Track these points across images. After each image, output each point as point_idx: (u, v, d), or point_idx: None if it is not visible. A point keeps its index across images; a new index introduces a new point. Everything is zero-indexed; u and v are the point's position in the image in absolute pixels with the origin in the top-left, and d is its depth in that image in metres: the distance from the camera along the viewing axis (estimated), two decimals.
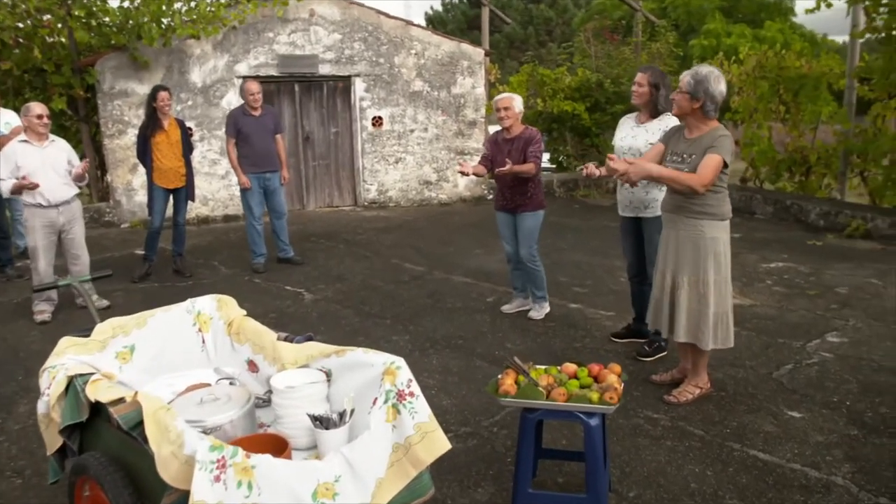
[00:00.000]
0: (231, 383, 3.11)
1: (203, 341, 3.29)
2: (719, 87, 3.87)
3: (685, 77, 3.90)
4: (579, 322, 5.63)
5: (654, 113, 4.65)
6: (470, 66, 11.62)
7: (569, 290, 6.51)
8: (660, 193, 4.64)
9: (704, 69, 3.89)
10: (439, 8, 38.64)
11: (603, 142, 12.95)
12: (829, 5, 8.61)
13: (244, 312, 3.36)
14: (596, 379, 2.97)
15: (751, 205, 10.25)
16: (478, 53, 11.67)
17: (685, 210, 3.99)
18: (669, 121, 4.59)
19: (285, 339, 3.09)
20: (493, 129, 14.71)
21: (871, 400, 4.20)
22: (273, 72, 10.54)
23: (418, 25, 11.40)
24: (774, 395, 4.27)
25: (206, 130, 10.40)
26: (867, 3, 8.49)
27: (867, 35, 8.73)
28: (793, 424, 3.89)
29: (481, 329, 5.50)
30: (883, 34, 8.56)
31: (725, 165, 3.83)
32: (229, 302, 3.38)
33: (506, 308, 5.89)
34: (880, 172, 9.38)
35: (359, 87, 11.07)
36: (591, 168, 4.39)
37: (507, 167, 5.19)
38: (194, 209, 10.14)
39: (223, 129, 10.30)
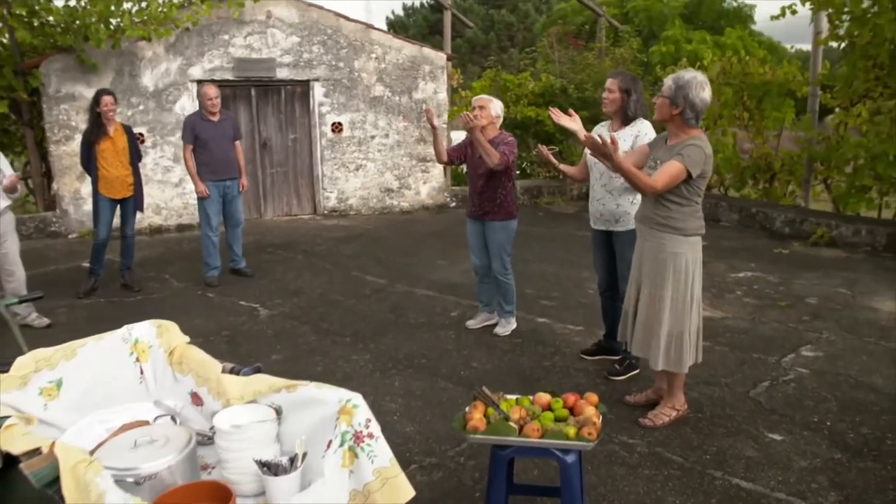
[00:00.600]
0: (172, 418, 2.82)
1: (141, 372, 2.98)
2: (701, 94, 3.65)
3: (667, 81, 3.70)
4: (547, 338, 5.41)
5: (626, 119, 4.45)
6: (432, 70, 11.38)
7: (536, 304, 6.29)
8: (631, 207, 4.44)
9: (687, 74, 3.68)
10: (401, 12, 38.43)
11: (566, 148, 12.78)
12: (793, 12, 8.56)
13: (187, 339, 3.06)
14: (572, 411, 2.73)
15: (716, 212, 10.16)
16: (440, 58, 11.44)
17: (649, 221, 3.81)
18: (641, 126, 4.41)
19: (231, 371, 2.80)
20: (455, 134, 14.55)
21: (851, 419, 4.04)
22: (229, 76, 10.18)
23: (379, 29, 11.14)
24: (753, 415, 4.09)
25: (159, 136, 10.00)
26: (830, 11, 8.45)
27: (831, 43, 8.69)
28: (774, 448, 3.71)
29: (446, 346, 5.24)
30: (846, 42, 8.53)
31: (690, 177, 3.62)
32: (170, 328, 3.08)
33: (470, 323, 5.65)
34: (843, 180, 9.35)
35: (318, 91, 10.76)
36: (545, 150, 4.35)
37: (477, 135, 4.94)
38: (146, 219, 9.75)
39: (177, 135, 9.97)
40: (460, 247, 8.49)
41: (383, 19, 42.37)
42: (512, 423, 2.59)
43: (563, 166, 4.64)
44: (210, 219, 6.99)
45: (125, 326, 2.99)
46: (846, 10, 8.25)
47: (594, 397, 2.79)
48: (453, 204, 11.84)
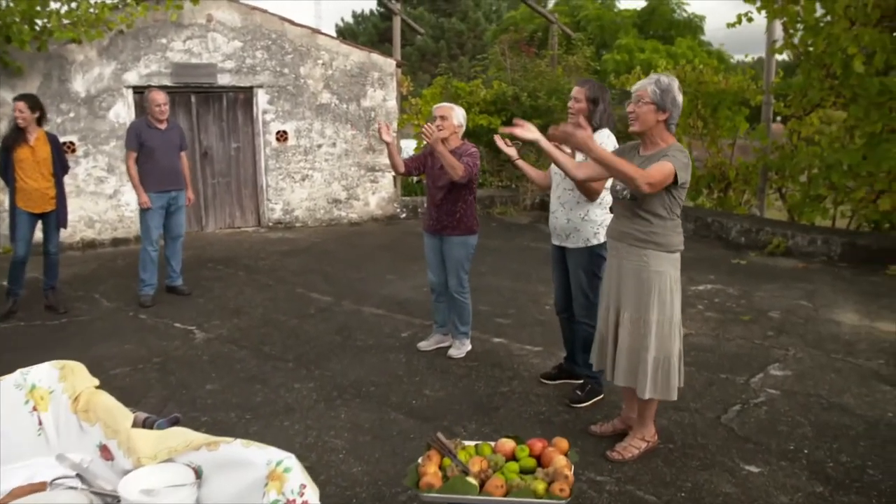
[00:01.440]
0: (78, 476, 2.40)
1: (40, 422, 2.55)
2: (680, 98, 3.43)
3: (647, 87, 3.40)
4: (504, 360, 5.08)
5: (592, 130, 4.16)
6: (381, 77, 11.02)
7: (491, 322, 5.97)
8: (582, 223, 4.16)
9: (665, 77, 3.41)
10: (350, 20, 37.98)
11: (526, 156, 12.55)
12: (749, 20, 8.45)
13: (96, 383, 2.64)
14: (539, 460, 2.40)
15: None
16: (389, 64, 11.08)
17: (629, 237, 3.49)
18: (601, 136, 4.12)
19: (145, 423, 2.40)
20: (405, 143, 14.20)
21: (828, 447, 3.80)
22: (167, 81, 9.65)
23: (326, 34, 10.73)
24: (727, 444, 3.82)
25: (91, 145, 9.42)
26: (784, 19, 8.36)
27: (785, 52, 8.61)
28: (752, 482, 3.43)
29: (396, 372, 4.88)
30: (800, 51, 8.44)
31: (676, 183, 3.34)
32: (76, 369, 2.65)
33: (423, 345, 5.29)
34: (798, 189, 9.28)
35: (262, 98, 10.31)
36: (499, 140, 4.23)
37: (438, 146, 4.60)
38: (78, 232, 9.19)
39: (111, 144, 9.44)
40: (410, 260, 8.16)
41: (332, 27, 41.77)
42: (472, 479, 2.25)
43: (522, 163, 4.36)
44: (150, 231, 6.54)
45: (19, 371, 2.56)
46: (800, 19, 8.16)
47: (564, 443, 2.48)
48: (403, 215, 11.48)
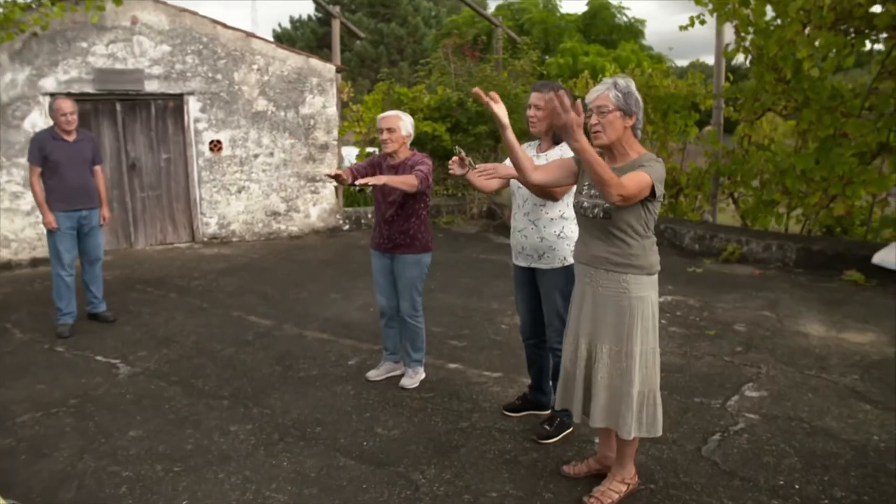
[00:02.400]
0: None
1: None
2: (640, 96, 3.10)
3: (608, 93, 3.02)
4: (462, 390, 4.67)
5: (557, 139, 3.79)
6: (320, 83, 10.52)
7: (445, 345, 5.55)
8: (558, 241, 3.77)
9: (622, 79, 3.06)
10: (288, 25, 37.19)
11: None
12: (702, 22, 8.26)
13: None
14: None
15: None
16: (328, 69, 10.59)
17: (605, 262, 3.12)
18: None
19: None
20: (346, 151, 13.70)
21: (819, 478, 3.50)
22: (89, 88, 9.00)
23: (261, 38, 10.16)
24: (712, 482, 3.48)
25: (5, 157, 8.71)
26: (736, 22, 8.18)
27: (739, 55, 8.45)
28: None
29: (344, 407, 4.41)
30: (752, 55, 8.28)
31: (653, 197, 2.99)
32: None
33: (372, 374, 4.84)
34: (751, 194, 9.13)
35: (193, 106, 9.71)
36: (456, 166, 3.63)
37: (380, 178, 4.09)
38: None
39: (27, 156, 8.69)
40: (355, 276, 7.70)
41: (270, 32, 40.82)
42: None
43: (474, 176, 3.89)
44: (61, 255, 5.92)
45: None
46: (751, 21, 7.98)
47: None
48: (347, 227, 10.99)
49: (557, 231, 3.77)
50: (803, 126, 8.00)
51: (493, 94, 3.22)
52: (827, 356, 5.29)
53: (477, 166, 3.56)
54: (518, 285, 4.08)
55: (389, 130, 4.37)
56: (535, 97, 3.79)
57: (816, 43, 7.18)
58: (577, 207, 3.20)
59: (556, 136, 3.78)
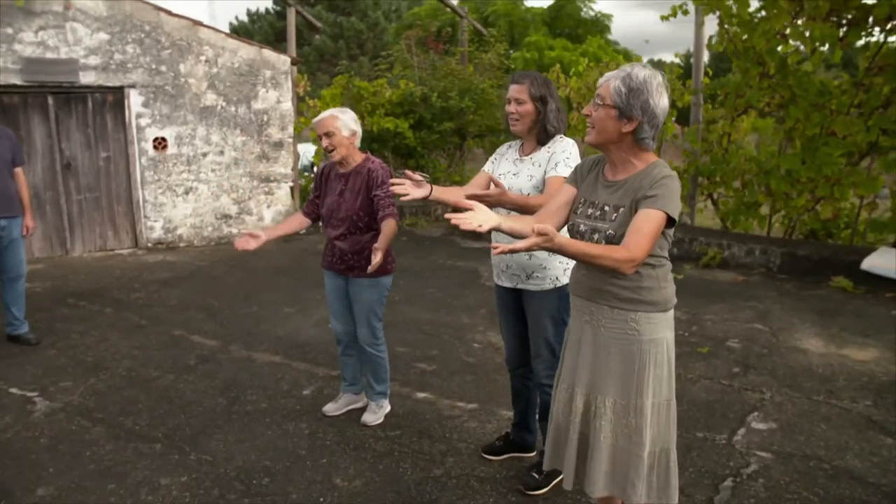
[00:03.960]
0: None
1: None
2: (662, 101, 2.41)
3: (612, 82, 2.42)
4: (433, 427, 4.07)
5: (544, 138, 3.21)
6: (274, 76, 9.82)
7: (411, 369, 4.96)
8: (550, 259, 3.20)
9: (641, 72, 2.41)
10: (245, 18, 36.17)
11: (429, 163, 11.57)
12: (685, 12, 7.77)
13: None
14: None
15: None
16: (283, 62, 9.89)
17: (608, 296, 2.52)
18: (561, 146, 3.18)
19: None
20: (303, 148, 12.99)
21: None
22: (16, 80, 8.20)
23: (209, 27, 9.42)
24: None
25: None
26: (718, 13, 7.70)
27: (723, 47, 7.96)
28: None
29: (297, 451, 3.79)
30: (736, 48, 7.80)
31: (671, 223, 2.42)
32: None
33: (329, 409, 4.21)
34: (732, 195, 8.68)
35: (135, 100, 8.95)
36: (407, 186, 2.86)
37: (375, 261, 3.44)
38: None
39: None
40: (312, 286, 7.08)
41: (227, 25, 39.57)
42: None
43: (441, 190, 3.04)
44: None
45: None
46: (734, 13, 7.51)
47: None
48: (303, 230, 10.29)
49: None
50: (789, 124, 7.56)
51: (473, 206, 2.32)
52: (832, 377, 4.82)
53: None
54: (502, 309, 3.50)
55: (328, 135, 3.73)
56: (513, 90, 3.21)
57: (807, 34, 6.72)
58: (573, 232, 2.60)
59: (541, 135, 3.20)
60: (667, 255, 2.52)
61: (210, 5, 52.13)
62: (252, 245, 3.67)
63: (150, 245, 9.25)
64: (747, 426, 4.08)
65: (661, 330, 2.50)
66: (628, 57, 18.19)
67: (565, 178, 2.88)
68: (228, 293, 7.04)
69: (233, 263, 8.46)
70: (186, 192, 9.42)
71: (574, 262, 3.10)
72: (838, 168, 7.34)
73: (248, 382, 4.74)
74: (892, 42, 6.95)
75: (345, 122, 3.74)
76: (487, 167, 3.43)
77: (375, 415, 4.09)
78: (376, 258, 3.44)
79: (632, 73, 2.42)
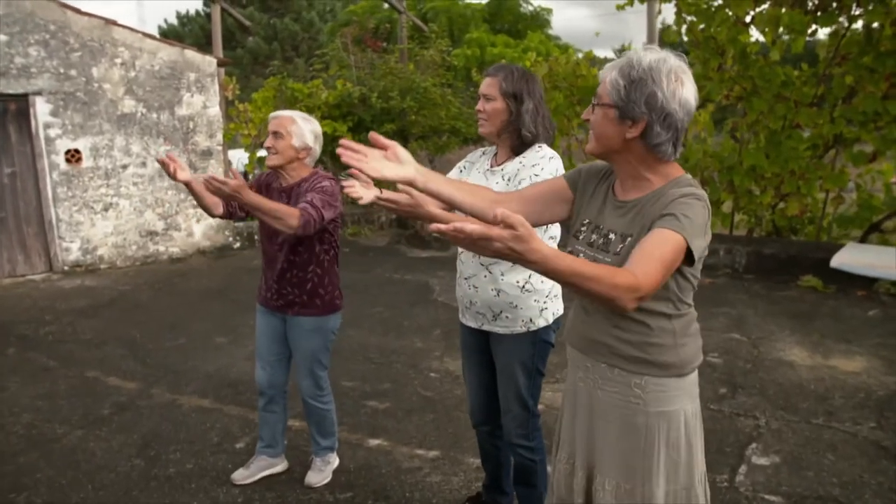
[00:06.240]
0: None
1: None
2: (680, 92, 1.78)
3: (610, 73, 1.84)
4: (391, 483, 3.46)
5: (520, 144, 2.63)
6: (199, 79, 9.06)
7: (361, 408, 4.34)
8: (523, 295, 2.61)
9: (647, 56, 1.80)
10: (175, 21, 34.83)
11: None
12: (642, 1, 7.33)
13: None
14: None
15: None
16: (208, 63, 9.13)
17: (606, 351, 1.94)
18: (534, 157, 2.60)
19: None
20: (234, 155, 12.19)
21: None
22: None
23: (124, 26, 8.59)
24: None
25: None
26: (675, 1, 7.28)
27: (683, 37, 7.54)
28: None
29: None
30: (695, 38, 7.39)
31: (690, 259, 1.79)
32: None
33: (239, 476, 3.45)
34: None
35: (41, 108, 8.07)
36: (357, 190, 2.28)
37: (229, 185, 2.77)
38: None
39: None
40: (246, 310, 6.38)
41: (156, 28, 37.99)
42: None
43: (391, 197, 2.43)
44: None
45: None
46: (691, 1, 7.09)
47: None
48: (237, 244, 9.58)
49: (521, 281, 2.60)
50: (752, 117, 7.16)
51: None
52: (827, 395, 4.41)
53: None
54: (465, 351, 2.91)
55: (275, 135, 3.07)
56: (483, 84, 2.64)
57: (776, 21, 6.33)
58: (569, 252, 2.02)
59: (514, 141, 2.62)
60: (691, 302, 1.93)
61: (139, 7, 50.30)
62: (181, 172, 2.96)
63: (66, 268, 8.40)
64: (748, 462, 3.59)
65: (674, 400, 1.91)
66: (568, 52, 17.84)
67: None
68: (153, 322, 6.29)
69: (159, 287, 7.69)
70: (106, 209, 8.59)
71: (560, 295, 2.57)
72: (804, 162, 6.98)
73: (172, 436, 4.05)
74: (856, 29, 6.62)
75: (300, 130, 3.06)
76: (454, 174, 2.84)
77: (322, 473, 3.46)
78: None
79: (634, 59, 1.82)
